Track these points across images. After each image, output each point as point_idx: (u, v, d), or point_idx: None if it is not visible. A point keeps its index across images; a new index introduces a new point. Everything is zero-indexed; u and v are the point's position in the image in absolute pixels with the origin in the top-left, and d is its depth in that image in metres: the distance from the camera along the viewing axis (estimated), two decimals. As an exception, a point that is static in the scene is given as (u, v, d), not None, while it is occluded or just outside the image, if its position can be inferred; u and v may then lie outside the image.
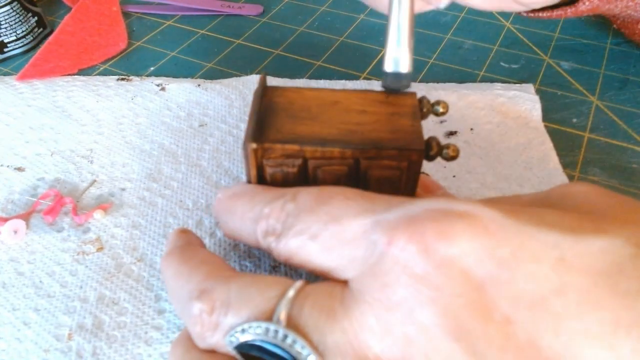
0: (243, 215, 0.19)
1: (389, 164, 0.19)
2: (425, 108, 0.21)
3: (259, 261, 0.24)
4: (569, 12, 0.29)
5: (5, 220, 0.26)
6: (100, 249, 0.25)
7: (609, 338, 0.12)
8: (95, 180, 0.29)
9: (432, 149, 0.20)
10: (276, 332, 0.15)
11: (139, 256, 0.25)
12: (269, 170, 0.20)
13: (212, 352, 0.17)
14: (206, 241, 0.25)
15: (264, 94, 0.22)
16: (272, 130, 0.20)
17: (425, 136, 0.20)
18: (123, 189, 0.28)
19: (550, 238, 0.14)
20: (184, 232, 0.21)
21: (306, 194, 0.17)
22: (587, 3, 0.28)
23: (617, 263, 0.13)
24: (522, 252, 0.13)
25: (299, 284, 0.16)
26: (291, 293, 0.16)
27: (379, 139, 0.19)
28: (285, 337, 0.15)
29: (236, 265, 0.24)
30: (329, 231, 0.16)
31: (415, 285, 0.14)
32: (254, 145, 0.19)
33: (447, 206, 0.15)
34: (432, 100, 0.22)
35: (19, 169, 0.30)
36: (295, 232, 0.17)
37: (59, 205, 0.27)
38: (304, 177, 0.20)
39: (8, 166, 0.30)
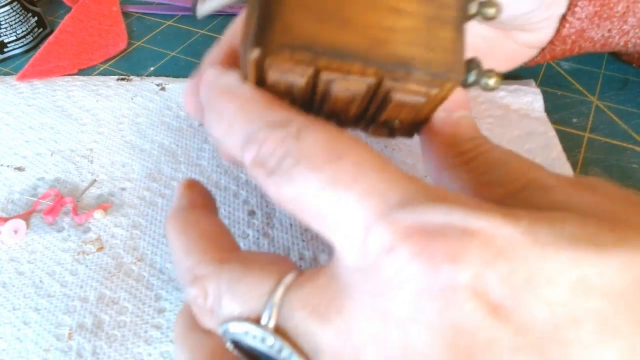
0: (232, 123, 0.15)
1: (417, 90, 0.16)
2: (474, 9, 0.17)
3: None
4: (557, 45, 0.29)
5: (6, 220, 0.26)
6: (100, 248, 0.25)
7: None
8: (95, 180, 0.29)
9: (470, 76, 0.17)
10: (263, 338, 0.14)
11: (139, 256, 0.25)
12: (271, 77, 0.16)
13: (213, 333, 0.16)
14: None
15: None
16: (278, 27, 0.15)
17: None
18: (123, 189, 0.28)
19: (570, 256, 0.12)
20: (190, 186, 0.20)
21: (314, 135, 0.14)
22: (570, 23, 0.27)
23: (637, 280, 0.12)
24: (538, 276, 0.12)
25: (288, 279, 0.15)
26: (280, 291, 0.15)
27: (412, 56, 0.15)
28: (273, 344, 0.14)
29: (236, 264, 0.24)
30: (330, 200, 0.14)
31: (416, 304, 0.13)
32: (256, 53, 0.15)
33: (464, 222, 0.13)
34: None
35: (19, 169, 0.30)
36: (290, 179, 0.14)
37: (59, 205, 0.27)
38: (312, 89, 0.17)
39: (8, 166, 0.30)
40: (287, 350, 0.14)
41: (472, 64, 0.17)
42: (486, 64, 0.25)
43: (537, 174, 0.16)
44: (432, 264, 0.12)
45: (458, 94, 0.18)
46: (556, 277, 0.12)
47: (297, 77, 0.16)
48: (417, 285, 0.12)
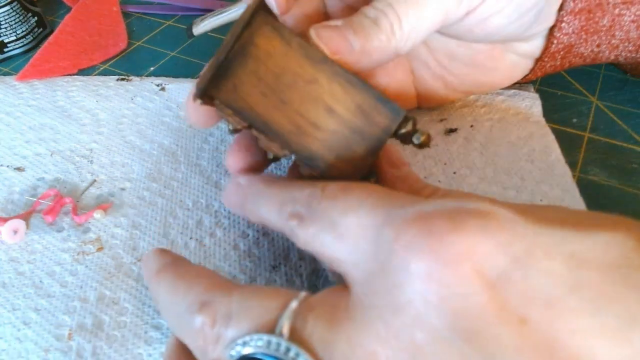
0: (272, 198, 0.19)
1: (312, 174, 0.19)
2: (403, 129, 0.19)
3: (258, 261, 0.24)
4: (546, 62, 0.28)
5: (5, 220, 0.26)
6: (100, 249, 0.25)
7: (625, 333, 0.12)
8: (95, 180, 0.29)
9: (402, 129, 0.19)
10: (278, 344, 0.14)
11: (139, 256, 0.25)
12: (218, 112, 0.19)
13: None
14: (206, 241, 0.25)
15: (250, 22, 0.18)
16: (229, 83, 0.18)
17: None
18: (123, 189, 0.28)
19: (559, 234, 0.13)
20: (165, 251, 0.21)
21: (334, 184, 0.17)
22: (558, 39, 0.27)
23: (624, 256, 0.13)
24: (535, 249, 0.13)
25: (302, 295, 0.15)
26: (294, 304, 0.15)
27: (320, 156, 0.18)
28: (288, 350, 0.14)
29: (236, 264, 0.24)
30: (345, 220, 0.16)
31: (425, 285, 0.13)
32: (198, 101, 0.18)
33: (459, 204, 0.14)
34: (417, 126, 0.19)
35: (19, 169, 0.30)
36: (315, 218, 0.17)
37: (59, 205, 0.27)
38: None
39: (8, 166, 0.30)
40: (303, 357, 0.14)
41: (407, 122, 0.19)
42: (490, 78, 0.28)
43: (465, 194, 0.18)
44: (435, 238, 0.13)
45: (397, 153, 0.21)
46: (552, 251, 0.13)
47: (235, 124, 0.19)
48: (422, 263, 0.13)
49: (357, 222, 0.15)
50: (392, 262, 0.14)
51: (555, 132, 0.31)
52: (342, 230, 0.16)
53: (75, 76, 0.37)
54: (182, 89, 0.35)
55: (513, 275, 0.13)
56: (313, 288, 0.23)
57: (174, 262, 0.20)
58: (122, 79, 0.36)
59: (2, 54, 0.39)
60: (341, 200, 0.16)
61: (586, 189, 0.27)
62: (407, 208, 0.15)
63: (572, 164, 0.29)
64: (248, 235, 0.26)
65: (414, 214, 0.14)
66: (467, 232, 0.13)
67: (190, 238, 0.26)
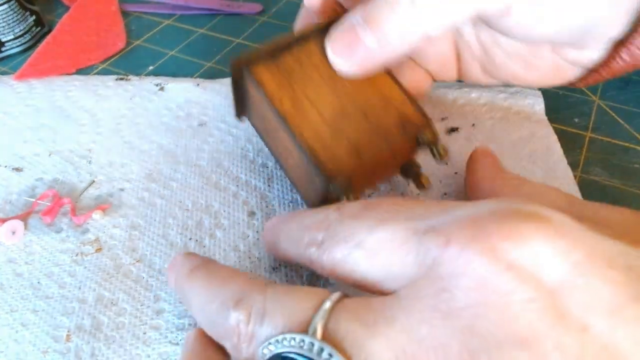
0: (290, 232, 0.19)
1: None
2: (424, 138, 0.21)
3: (258, 262, 0.24)
4: (604, 74, 0.25)
5: (3, 221, 0.26)
6: (99, 249, 0.25)
7: None
8: (94, 181, 0.29)
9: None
10: (312, 344, 0.14)
11: (138, 257, 0.25)
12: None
13: None
14: (205, 242, 0.25)
15: (243, 75, 0.23)
16: (248, 111, 0.23)
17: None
18: (122, 190, 0.28)
19: (618, 247, 0.13)
20: (194, 254, 0.21)
21: (351, 204, 0.17)
22: (623, 60, 0.23)
23: None
24: (596, 257, 0.13)
25: (336, 295, 0.15)
26: (328, 304, 0.15)
27: (296, 186, 0.23)
28: (321, 350, 0.14)
29: (236, 265, 0.24)
30: (375, 236, 0.15)
31: (480, 290, 0.12)
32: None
33: (512, 206, 0.13)
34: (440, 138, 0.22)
35: (17, 169, 0.30)
36: (338, 240, 0.16)
37: (58, 205, 0.27)
38: None
39: (6, 166, 0.30)
40: (336, 357, 0.14)
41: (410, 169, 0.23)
42: (528, 75, 0.27)
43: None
44: (491, 244, 0.12)
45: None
46: (612, 261, 0.12)
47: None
48: (479, 269, 0.12)
49: (389, 236, 0.15)
50: (442, 267, 0.13)
51: (556, 131, 0.31)
52: (372, 247, 0.15)
53: (74, 76, 0.36)
54: (181, 89, 0.34)
55: (574, 282, 0.12)
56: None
57: (205, 263, 0.20)
58: (121, 79, 0.36)
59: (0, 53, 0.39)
60: (365, 218, 0.16)
61: (588, 189, 0.27)
62: (451, 213, 0.14)
63: (573, 164, 0.29)
64: (248, 236, 0.25)
65: (462, 219, 0.13)
66: (525, 237, 0.12)
67: (190, 239, 0.25)
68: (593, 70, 0.25)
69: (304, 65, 0.22)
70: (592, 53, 0.24)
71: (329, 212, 0.17)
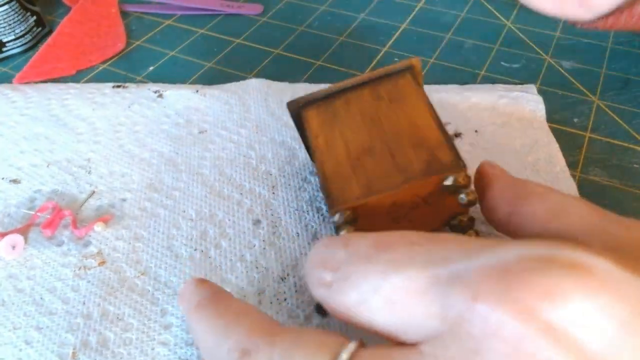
0: (304, 266, 0.18)
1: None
2: (449, 181, 0.20)
3: (266, 272, 0.24)
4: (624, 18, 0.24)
5: (3, 235, 0.25)
6: (102, 263, 0.25)
7: None
8: (94, 191, 0.28)
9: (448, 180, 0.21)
10: None
11: (142, 269, 0.24)
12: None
13: None
14: (211, 252, 0.25)
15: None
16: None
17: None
18: (123, 200, 0.28)
19: None
20: (204, 281, 0.20)
21: (361, 239, 0.15)
22: None
23: None
24: None
25: (352, 346, 0.14)
26: (344, 357, 0.13)
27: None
28: None
29: (243, 276, 0.24)
30: (391, 283, 0.14)
31: (515, 356, 0.11)
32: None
33: (545, 252, 0.12)
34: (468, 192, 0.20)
35: (15, 181, 0.29)
36: (350, 284, 0.14)
37: (58, 218, 0.26)
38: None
39: (3, 178, 0.29)
40: None
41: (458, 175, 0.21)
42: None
43: None
44: (525, 303, 0.11)
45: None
46: None
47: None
48: (512, 332, 0.11)
49: (407, 284, 0.13)
50: (470, 325, 0.12)
51: (556, 132, 0.31)
52: (389, 296, 0.14)
53: (69, 84, 0.36)
54: (180, 96, 0.34)
55: (623, 345, 0.11)
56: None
57: (213, 296, 0.18)
58: (118, 86, 0.35)
59: (0, 54, 0.39)
60: (380, 260, 0.14)
61: (587, 189, 0.27)
62: (475, 259, 0.13)
63: (573, 164, 0.29)
64: (254, 245, 0.25)
65: (491, 269, 0.12)
66: (564, 294, 0.11)
67: (195, 250, 0.25)
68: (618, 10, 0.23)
69: (351, 108, 0.24)
70: None
71: (336, 250, 0.16)
